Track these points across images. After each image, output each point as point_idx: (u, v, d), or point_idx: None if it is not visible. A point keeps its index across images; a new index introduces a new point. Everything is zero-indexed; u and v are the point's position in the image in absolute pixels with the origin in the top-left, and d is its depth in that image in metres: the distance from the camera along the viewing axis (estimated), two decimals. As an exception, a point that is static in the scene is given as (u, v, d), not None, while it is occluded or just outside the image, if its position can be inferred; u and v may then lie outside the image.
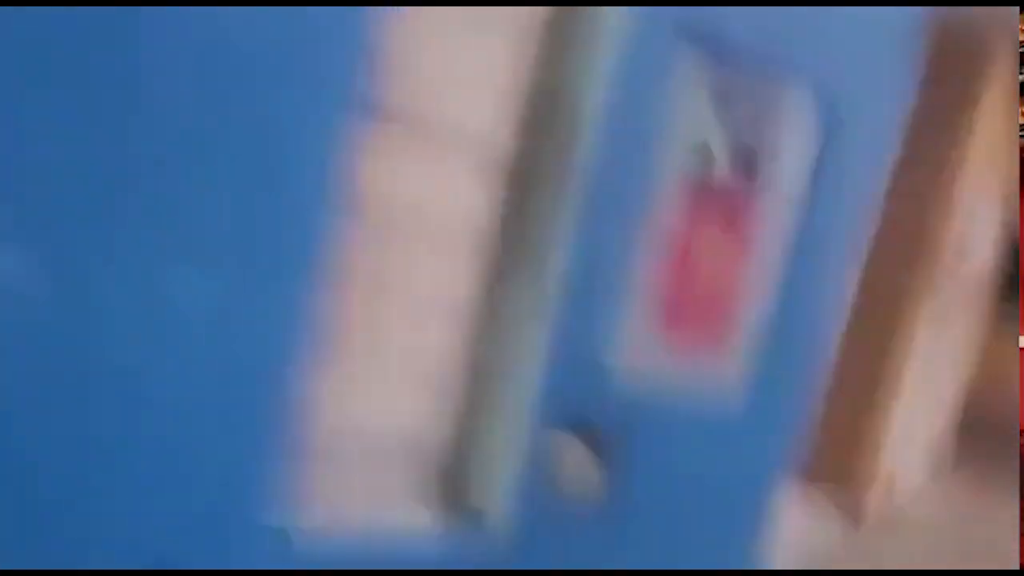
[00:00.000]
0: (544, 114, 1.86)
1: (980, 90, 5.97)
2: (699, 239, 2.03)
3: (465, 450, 1.95)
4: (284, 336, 1.59)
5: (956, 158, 6.02)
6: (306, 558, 1.75)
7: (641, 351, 2.00)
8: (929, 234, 6.13)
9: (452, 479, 1.96)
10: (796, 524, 4.88)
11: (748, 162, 2.05)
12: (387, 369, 1.87)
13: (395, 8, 1.64)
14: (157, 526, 1.55)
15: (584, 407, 1.95)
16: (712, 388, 2.11)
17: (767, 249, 2.12)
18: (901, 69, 2.25)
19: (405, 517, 1.89)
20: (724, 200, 2.04)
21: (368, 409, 1.84)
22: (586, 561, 2.02)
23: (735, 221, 2.08)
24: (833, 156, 2.15)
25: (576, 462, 1.98)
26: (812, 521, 5.54)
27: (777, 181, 2.08)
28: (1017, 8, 5.71)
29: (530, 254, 1.89)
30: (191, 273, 1.52)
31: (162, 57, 1.40)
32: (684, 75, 1.90)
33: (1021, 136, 7.15)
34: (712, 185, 2.01)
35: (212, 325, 1.54)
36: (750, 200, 2.07)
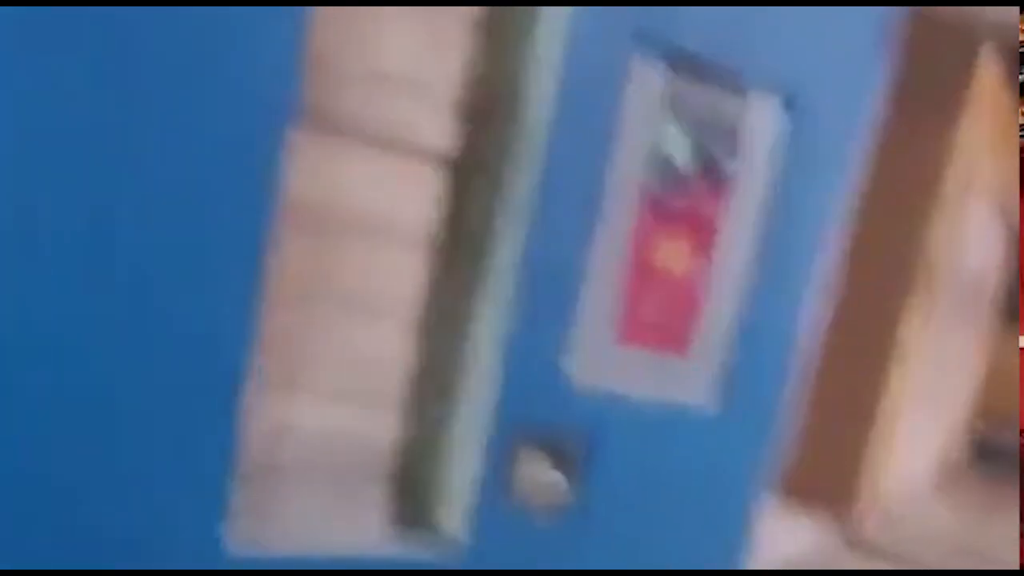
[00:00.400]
0: (490, 114, 1.81)
1: (968, 87, 5.92)
2: (661, 244, 1.98)
3: (418, 461, 1.89)
4: (218, 346, 1.54)
5: (944, 160, 5.97)
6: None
7: (601, 357, 1.95)
8: (917, 240, 6.08)
9: (405, 492, 1.90)
10: (782, 542, 4.80)
11: (710, 166, 2.00)
12: (334, 378, 1.82)
13: (325, 6, 1.59)
14: (82, 547, 1.49)
15: (543, 415, 1.89)
16: (679, 394, 2.04)
17: (734, 253, 2.06)
18: (874, 67, 2.20)
19: (355, 533, 1.83)
20: (686, 205, 1.98)
21: (313, 421, 1.79)
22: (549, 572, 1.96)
23: (699, 226, 2.02)
24: (801, 158, 2.10)
25: (536, 473, 1.92)
26: (800, 540, 5.46)
27: (742, 185, 2.03)
28: (1017, 8, 5.72)
29: (480, 258, 1.84)
30: (121, 286, 1.47)
31: (68, 59, 1.36)
32: (641, 79, 1.85)
33: (1021, 136, 7.16)
34: (674, 190, 1.95)
35: (143, 336, 1.49)
36: (714, 205, 2.02)
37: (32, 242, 1.45)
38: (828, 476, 6.09)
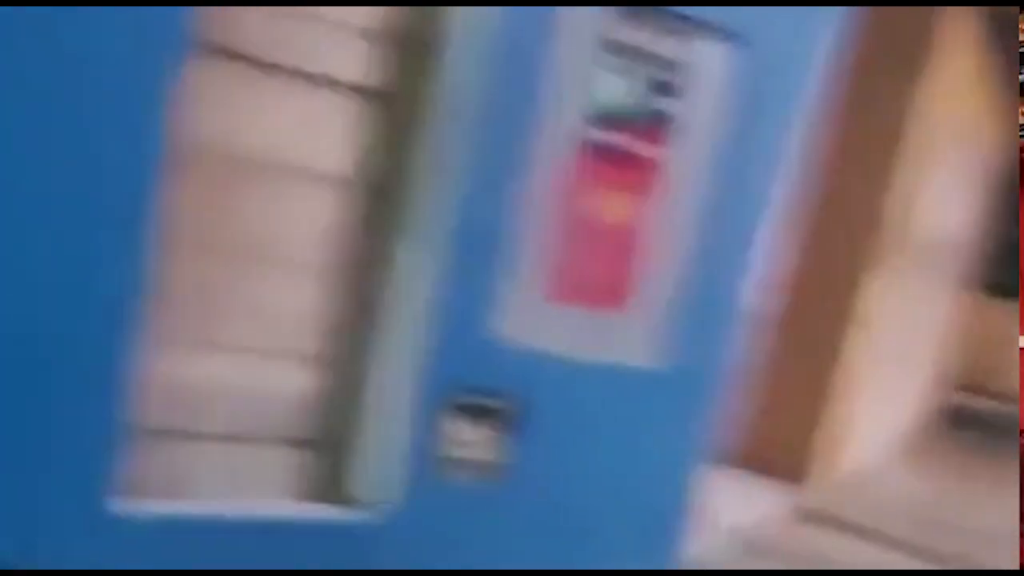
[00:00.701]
0: (415, 50, 1.67)
1: (930, 43, 5.81)
2: (599, 195, 1.85)
3: (335, 423, 1.76)
4: (103, 296, 1.40)
5: (904, 119, 5.87)
6: (157, 549, 1.56)
7: (532, 314, 1.82)
8: (878, 201, 5.99)
9: (320, 455, 1.77)
10: (733, 511, 4.72)
11: (651, 112, 1.87)
12: (250, 336, 1.68)
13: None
14: None
15: (470, 374, 1.76)
16: (616, 352, 1.92)
17: (679, 202, 1.94)
18: (828, 14, 2.08)
19: (264, 498, 1.70)
20: (625, 153, 1.86)
21: (218, 379, 1.65)
22: (480, 544, 1.84)
23: (640, 174, 1.90)
24: (752, 103, 1.97)
25: (466, 438, 1.80)
26: (754, 509, 5.38)
27: (687, 131, 1.90)
28: (1017, 8, 5.71)
29: (402, 204, 1.71)
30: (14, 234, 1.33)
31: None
32: (575, 21, 1.72)
33: (1021, 136, 7.21)
34: (612, 138, 1.82)
35: (36, 289, 1.35)
36: (655, 152, 1.89)
37: None
38: (784, 443, 6.01)
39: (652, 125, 1.89)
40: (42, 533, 1.48)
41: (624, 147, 1.88)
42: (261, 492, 1.76)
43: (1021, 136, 7.30)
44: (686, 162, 1.94)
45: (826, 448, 6.26)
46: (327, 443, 1.78)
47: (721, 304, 2.05)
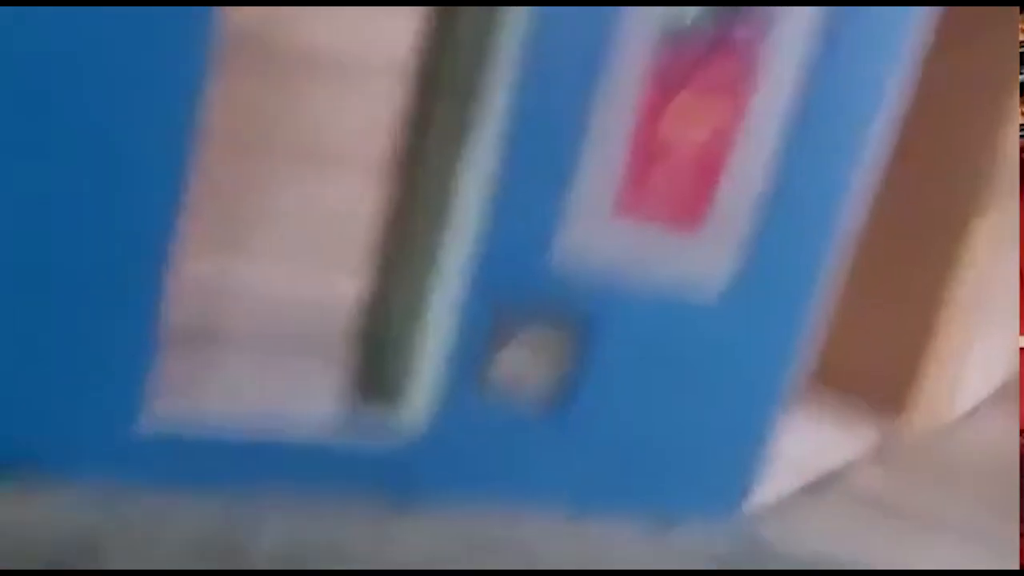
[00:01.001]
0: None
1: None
2: (676, 111, 1.72)
3: (381, 334, 1.67)
4: (161, 202, 1.33)
5: (1016, 58, 5.56)
6: (193, 454, 1.51)
7: (598, 231, 1.70)
8: (991, 142, 5.70)
9: (365, 366, 1.68)
10: (815, 448, 4.55)
11: (731, 31, 1.72)
12: (296, 239, 1.60)
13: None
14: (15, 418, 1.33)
15: (529, 291, 1.65)
16: (688, 273, 1.79)
17: (765, 121, 1.79)
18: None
19: (303, 411, 1.63)
20: (706, 71, 1.72)
21: (262, 284, 1.57)
22: (523, 471, 1.74)
23: (723, 93, 1.76)
24: (848, 39, 1.80)
25: (517, 356, 1.69)
26: (837, 440, 5.19)
27: (776, 48, 1.75)
28: (1017, 8, 5.45)
29: (464, 102, 1.59)
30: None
31: None
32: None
33: (1021, 136, 6.93)
34: (691, 56, 1.68)
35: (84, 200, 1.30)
36: (741, 71, 1.74)
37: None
38: (878, 380, 5.82)
39: (734, 44, 1.74)
40: (81, 445, 1.44)
41: (702, 64, 1.73)
42: (304, 399, 1.69)
43: (1021, 136, 7.03)
44: (776, 77, 1.79)
45: (924, 388, 6.05)
46: (373, 351, 1.70)
47: (808, 223, 1.91)
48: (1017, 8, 5.21)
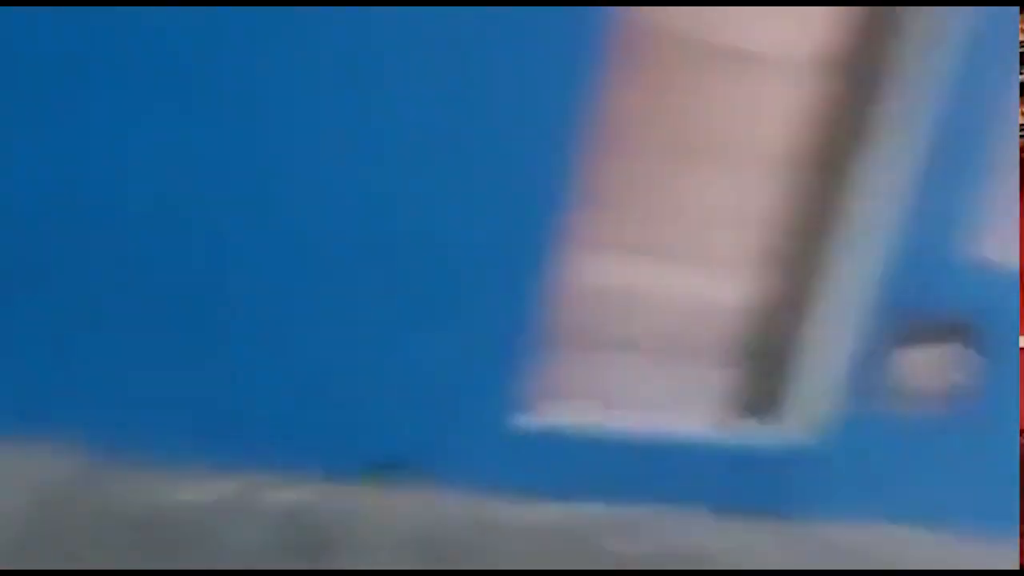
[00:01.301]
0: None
1: None
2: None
3: (778, 343, 1.58)
4: (546, 203, 1.28)
5: None
6: (570, 457, 1.47)
7: (1005, 239, 1.59)
8: None
9: (758, 376, 1.60)
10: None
11: None
12: (685, 239, 1.52)
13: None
14: (392, 423, 1.31)
15: (931, 301, 1.55)
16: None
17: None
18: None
19: (686, 413, 1.56)
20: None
21: (648, 285, 1.50)
22: (929, 477, 1.64)
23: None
24: None
25: (921, 363, 1.59)
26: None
27: None
28: (1017, 8, 5.21)
29: (876, 102, 1.49)
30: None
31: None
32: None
33: (1021, 136, 6.80)
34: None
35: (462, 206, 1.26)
36: None
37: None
38: None
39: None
40: (461, 445, 1.41)
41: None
42: (686, 406, 1.62)
43: (1021, 136, 6.76)
44: None
45: None
46: (762, 359, 1.62)
47: None
48: (1017, 8, 4.96)
